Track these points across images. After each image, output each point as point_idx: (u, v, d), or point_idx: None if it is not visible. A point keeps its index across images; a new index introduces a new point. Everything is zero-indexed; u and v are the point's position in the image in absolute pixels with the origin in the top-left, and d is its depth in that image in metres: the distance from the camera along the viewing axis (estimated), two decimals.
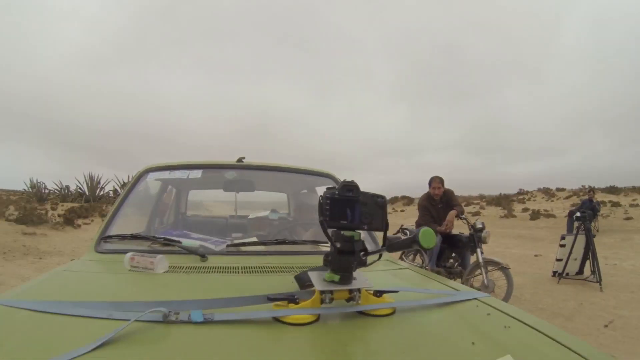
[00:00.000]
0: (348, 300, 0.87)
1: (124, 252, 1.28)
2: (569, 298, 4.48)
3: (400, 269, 1.48)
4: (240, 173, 2.04)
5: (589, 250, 5.22)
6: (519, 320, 0.85)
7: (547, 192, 23.52)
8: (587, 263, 5.34)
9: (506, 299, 3.80)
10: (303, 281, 0.98)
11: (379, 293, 0.91)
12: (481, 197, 25.29)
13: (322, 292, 0.82)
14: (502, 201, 21.35)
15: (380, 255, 0.98)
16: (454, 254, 4.87)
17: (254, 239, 1.63)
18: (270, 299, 0.83)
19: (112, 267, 1.30)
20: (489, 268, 4.24)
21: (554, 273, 5.52)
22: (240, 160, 2.02)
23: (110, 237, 1.52)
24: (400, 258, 5.22)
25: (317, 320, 0.80)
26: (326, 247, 1.60)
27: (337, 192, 0.81)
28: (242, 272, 1.24)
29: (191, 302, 0.84)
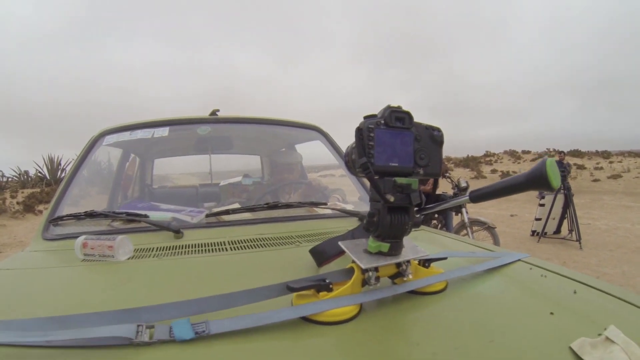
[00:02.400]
0: (394, 276, 0.62)
1: (78, 236, 0.97)
2: (552, 257, 4.49)
3: (416, 230, 1.25)
4: (214, 128, 1.72)
5: (567, 210, 5.25)
6: (580, 282, 0.71)
7: (513, 155, 24.20)
8: (564, 222, 5.39)
9: None
10: (323, 255, 0.71)
11: (426, 263, 0.67)
12: (448, 159, 25.77)
13: (364, 270, 0.56)
14: (470, 163, 21.82)
15: None
16: (437, 215, 4.69)
17: (237, 206, 1.35)
18: (292, 288, 0.55)
19: (61, 258, 0.98)
20: (475, 228, 4.14)
21: (533, 232, 5.57)
22: (214, 113, 1.70)
23: (61, 218, 1.19)
24: None
25: (359, 312, 0.55)
26: (325, 211, 1.35)
27: (382, 121, 0.54)
28: (231, 249, 0.96)
29: (171, 305, 0.55)
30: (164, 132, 1.61)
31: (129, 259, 0.91)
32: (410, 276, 0.59)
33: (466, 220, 4.11)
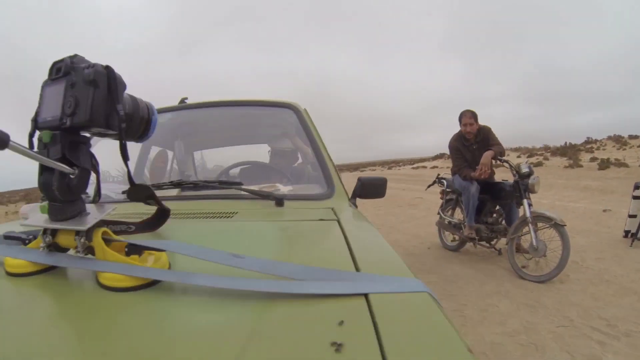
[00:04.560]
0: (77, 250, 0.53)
1: None
2: None
3: (280, 220, 1.03)
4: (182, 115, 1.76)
5: None
6: None
7: (619, 140, 20.75)
8: None
9: (560, 265, 3.13)
10: None
11: (137, 248, 0.53)
12: (546, 147, 23.04)
13: (44, 231, 0.53)
14: (568, 151, 19.21)
15: None
16: (497, 207, 4.13)
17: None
18: (7, 237, 0.61)
19: None
20: (540, 225, 3.42)
21: (627, 233, 4.46)
22: (182, 101, 1.75)
23: None
24: (438, 214, 4.69)
25: (42, 271, 0.53)
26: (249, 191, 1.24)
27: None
28: None
29: None
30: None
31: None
32: (90, 255, 0.52)
33: (528, 214, 3.42)
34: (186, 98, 1.75)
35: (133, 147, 2.19)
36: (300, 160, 1.99)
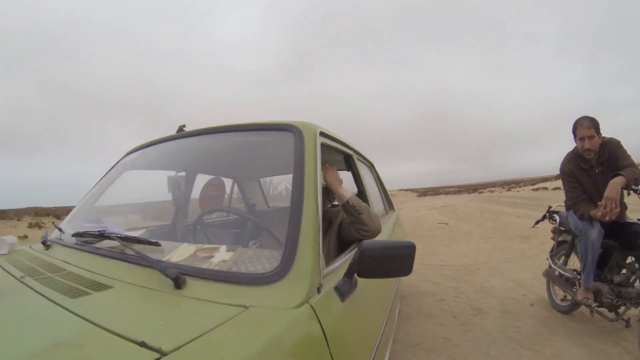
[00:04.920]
0: None
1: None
2: None
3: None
4: (182, 144, 1.65)
5: None
6: None
7: None
8: None
9: None
10: None
11: None
12: None
13: None
14: None
15: None
16: (630, 260, 2.80)
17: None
18: None
19: None
20: None
21: None
22: (181, 129, 1.66)
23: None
24: (547, 260, 3.52)
25: None
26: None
27: None
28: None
29: None
30: (135, 156, 1.68)
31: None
32: None
33: None
34: (184, 126, 1.65)
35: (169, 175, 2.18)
36: (334, 201, 1.65)
